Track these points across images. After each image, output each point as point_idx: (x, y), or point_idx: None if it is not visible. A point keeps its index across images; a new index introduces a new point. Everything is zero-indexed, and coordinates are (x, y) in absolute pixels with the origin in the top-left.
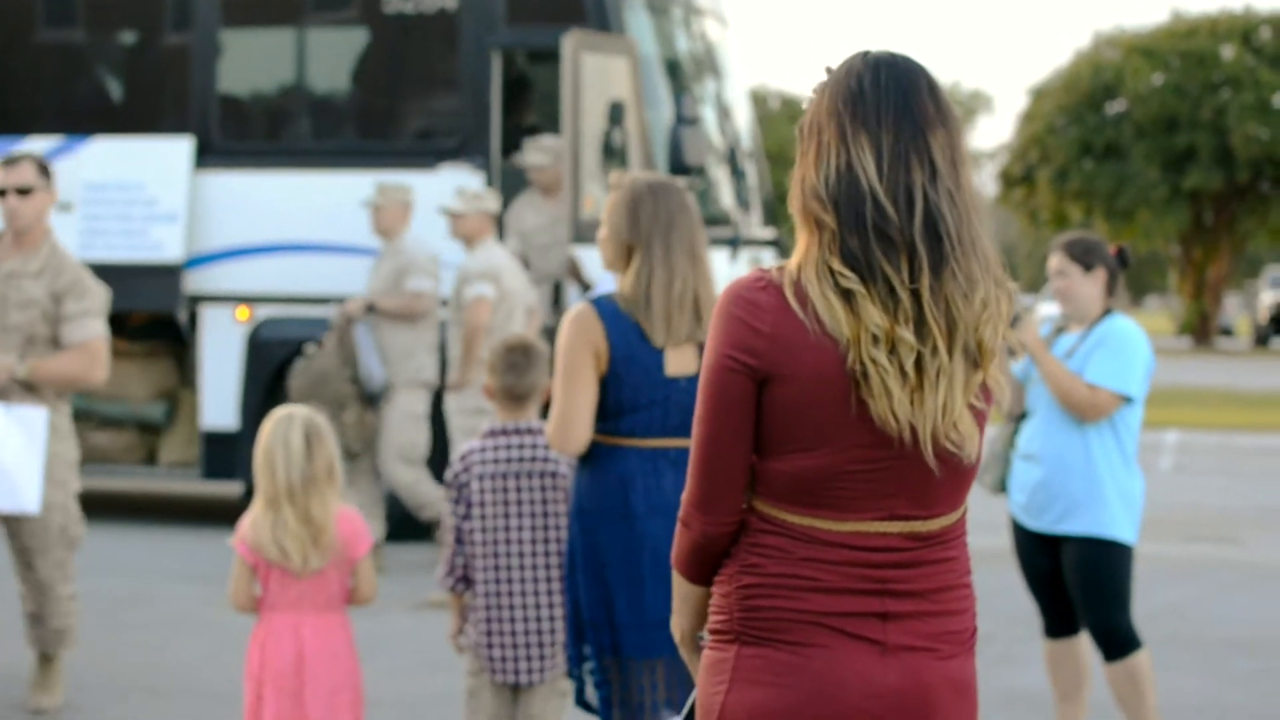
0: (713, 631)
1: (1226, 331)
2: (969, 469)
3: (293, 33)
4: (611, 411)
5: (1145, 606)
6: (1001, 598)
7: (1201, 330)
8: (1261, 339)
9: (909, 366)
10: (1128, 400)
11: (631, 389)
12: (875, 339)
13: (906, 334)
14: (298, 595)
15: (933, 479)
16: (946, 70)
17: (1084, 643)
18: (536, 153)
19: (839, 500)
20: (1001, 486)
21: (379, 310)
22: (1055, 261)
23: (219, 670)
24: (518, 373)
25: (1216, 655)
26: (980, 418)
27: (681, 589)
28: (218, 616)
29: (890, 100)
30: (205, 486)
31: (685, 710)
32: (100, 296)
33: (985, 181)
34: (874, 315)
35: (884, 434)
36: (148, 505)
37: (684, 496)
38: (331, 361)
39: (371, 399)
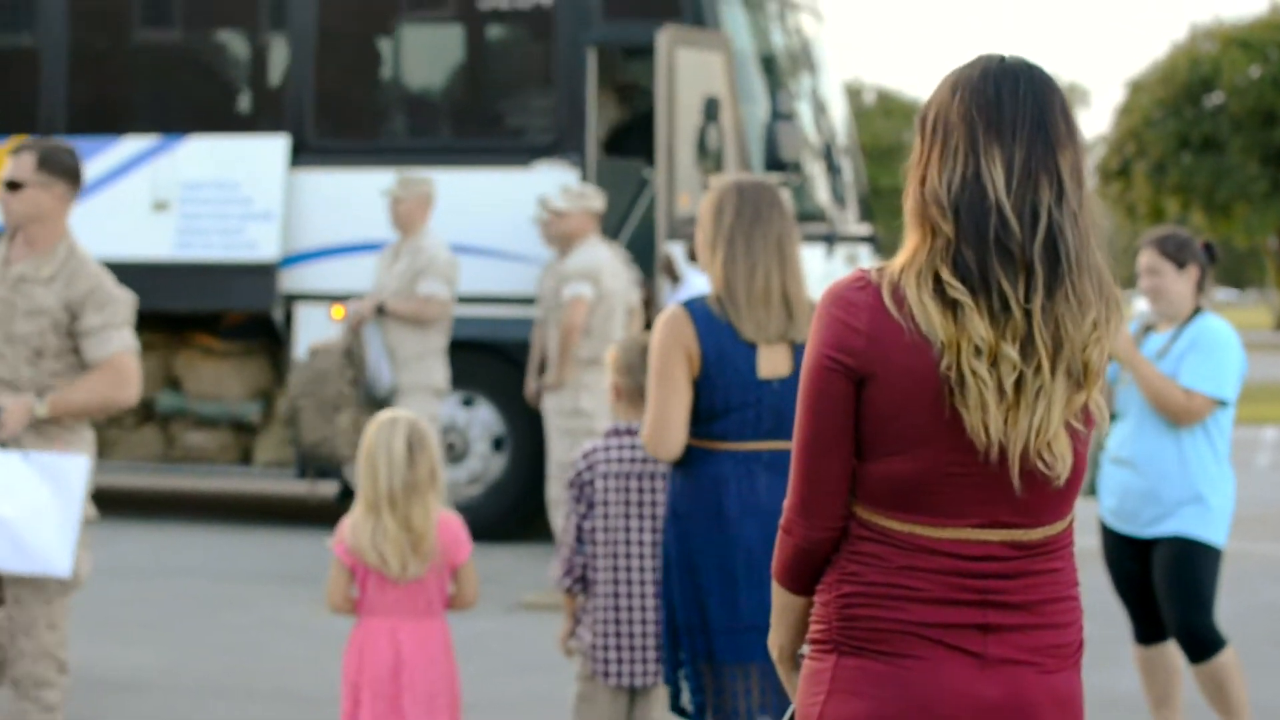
0: (812, 641)
1: None
2: (1064, 487)
3: (388, 31)
4: (704, 415)
5: (1243, 605)
6: (1094, 597)
7: None
8: None
9: (1008, 384)
10: (1222, 404)
11: (724, 391)
12: (978, 350)
13: (1011, 351)
14: (395, 600)
15: (1030, 490)
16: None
17: (1174, 648)
18: (563, 198)
19: (937, 505)
20: (1092, 490)
21: (389, 312)
22: (1146, 258)
23: (315, 673)
24: None
25: None
26: (1077, 439)
27: (781, 600)
28: (314, 618)
29: (1026, 114)
30: (300, 486)
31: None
32: (125, 305)
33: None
34: (979, 328)
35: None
36: (243, 505)
37: (786, 503)
38: (333, 361)
39: (377, 403)
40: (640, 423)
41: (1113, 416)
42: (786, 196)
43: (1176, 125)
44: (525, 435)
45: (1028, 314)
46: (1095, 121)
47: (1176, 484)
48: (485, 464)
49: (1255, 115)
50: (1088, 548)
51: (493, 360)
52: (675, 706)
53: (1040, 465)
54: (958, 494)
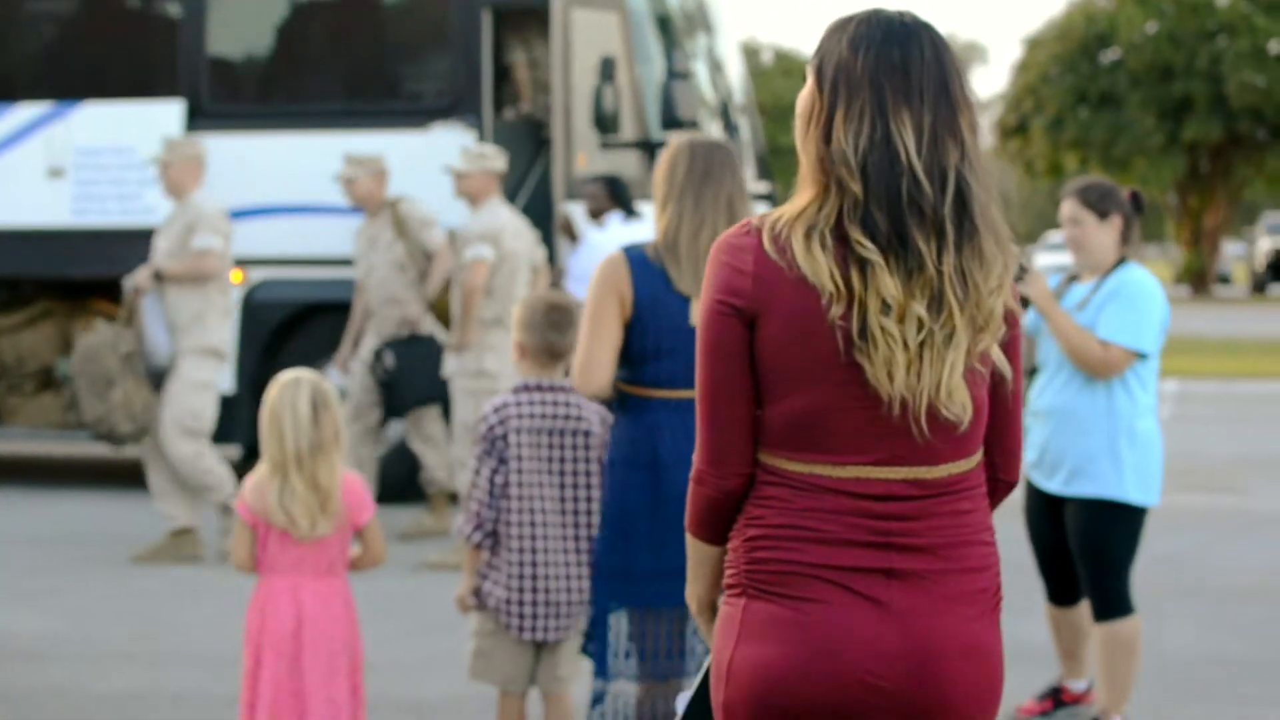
0: (725, 587)
1: (1224, 279)
2: (978, 403)
3: None
4: (636, 357)
5: (1144, 557)
6: (1008, 549)
7: (1199, 279)
8: (1259, 286)
9: (913, 341)
10: (1141, 356)
11: (655, 335)
12: (886, 306)
13: (920, 308)
14: (297, 559)
15: (932, 432)
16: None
17: (1085, 609)
18: (350, 166)
19: (835, 442)
20: None
21: (164, 275)
22: (1068, 208)
23: (224, 636)
24: (559, 330)
25: (1217, 605)
26: (976, 383)
27: (697, 552)
28: (219, 581)
29: (931, 79)
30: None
31: (700, 675)
32: None
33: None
34: (890, 286)
35: (869, 382)
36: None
37: (695, 454)
38: (107, 336)
39: (156, 375)
40: (548, 379)
41: (1033, 371)
42: (736, 155)
43: (1074, 81)
44: (437, 395)
45: (940, 272)
46: (993, 79)
47: (1093, 440)
48: (389, 426)
49: (1152, 70)
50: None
51: None
52: (585, 649)
53: (944, 413)
54: (856, 429)
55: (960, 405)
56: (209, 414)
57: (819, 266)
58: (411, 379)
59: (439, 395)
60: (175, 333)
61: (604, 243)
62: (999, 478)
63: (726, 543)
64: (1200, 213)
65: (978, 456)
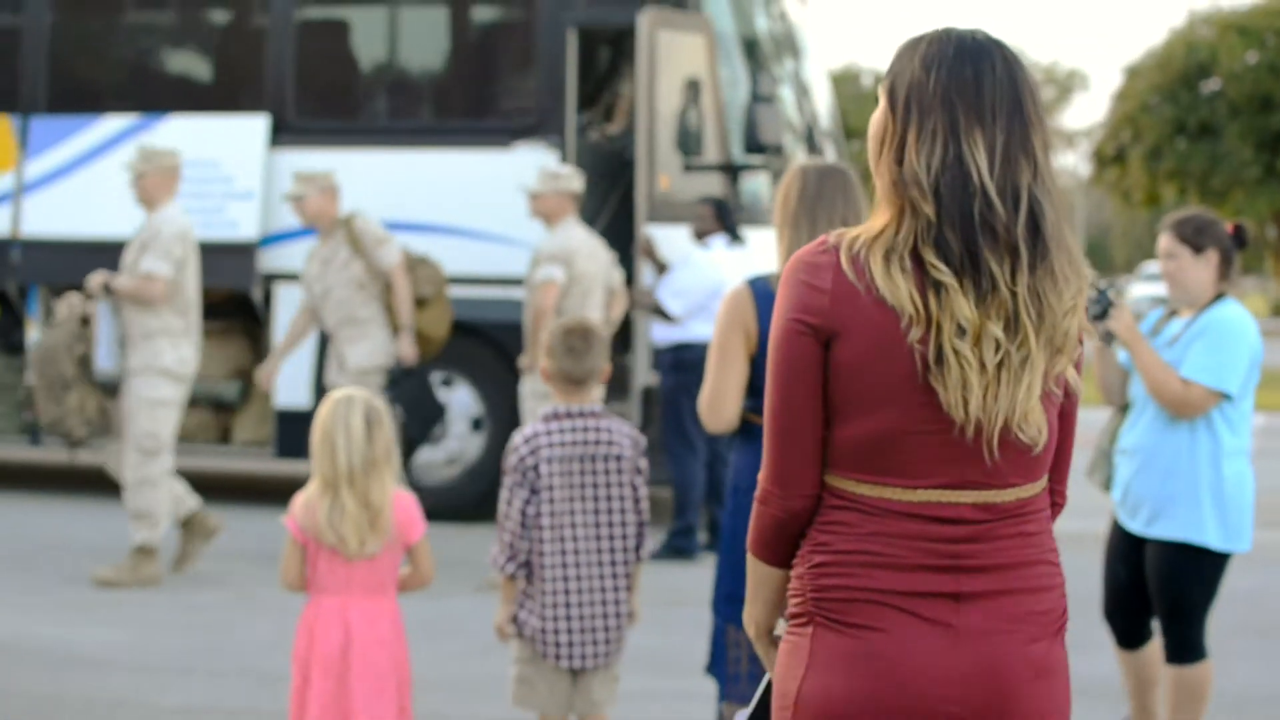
0: (790, 616)
1: None
2: (1049, 429)
3: (371, 11)
4: (762, 388)
5: (1223, 593)
6: (1076, 580)
7: None
8: None
9: (991, 362)
10: (1225, 397)
11: None
12: (961, 330)
13: (997, 330)
14: (346, 578)
15: (1003, 455)
16: (1042, 49)
17: (1153, 653)
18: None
19: (906, 465)
20: (1108, 484)
21: (113, 290)
22: (1164, 242)
23: (279, 651)
24: (575, 357)
25: None
26: (1052, 406)
27: (757, 574)
28: (281, 596)
29: (1004, 97)
30: (279, 465)
31: (755, 700)
32: None
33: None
34: (964, 308)
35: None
36: (222, 484)
37: (761, 474)
38: (60, 338)
39: (103, 383)
40: (577, 406)
41: (1126, 407)
42: (850, 177)
43: (1173, 111)
44: (503, 416)
45: (1014, 294)
46: (1094, 107)
47: (1174, 481)
48: (463, 445)
49: (1252, 101)
50: (1072, 530)
51: (471, 341)
52: (709, 670)
53: (1019, 436)
54: (927, 453)
55: (1036, 428)
56: (165, 433)
57: (898, 290)
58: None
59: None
60: (127, 347)
61: (707, 263)
62: (1053, 500)
63: (788, 565)
64: None
65: (1044, 481)
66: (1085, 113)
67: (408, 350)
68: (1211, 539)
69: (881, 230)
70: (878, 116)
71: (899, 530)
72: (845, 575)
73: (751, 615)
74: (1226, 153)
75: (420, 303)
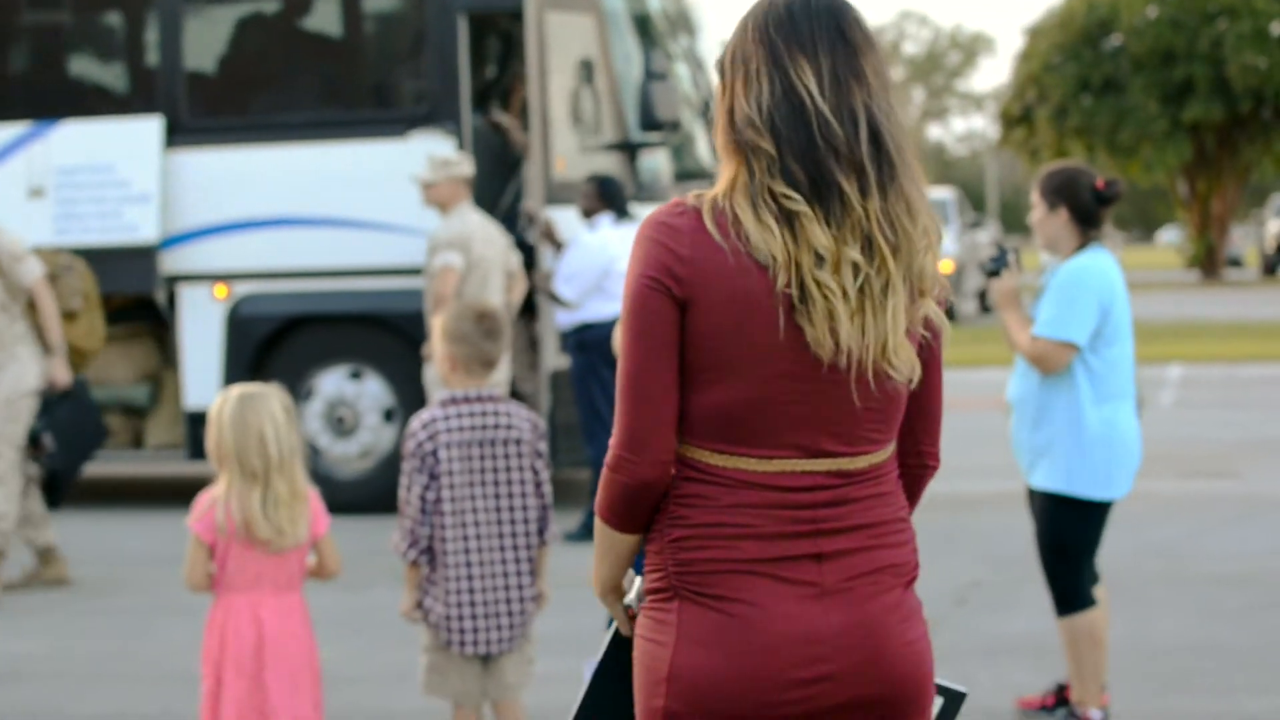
0: (651, 591)
1: (1235, 262)
2: (897, 400)
3: (257, 5)
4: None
5: (1137, 544)
6: (992, 543)
7: (1209, 263)
8: (1270, 268)
9: (852, 289)
10: (1074, 347)
11: None
12: (820, 259)
13: (854, 253)
14: (256, 575)
15: (856, 411)
16: (945, 13)
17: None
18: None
19: (760, 435)
20: None
21: None
22: (1033, 194)
23: (199, 654)
24: (494, 338)
25: (1206, 592)
26: (920, 347)
27: (607, 539)
28: (202, 600)
29: (824, 25)
30: (192, 467)
31: (605, 644)
32: None
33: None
34: (819, 236)
35: (808, 360)
36: (135, 488)
37: (613, 439)
38: None
39: None
40: (476, 390)
41: None
42: None
43: (1076, 68)
44: (414, 406)
45: (865, 211)
46: (998, 70)
47: (1041, 431)
48: (376, 436)
49: (1154, 55)
50: (985, 492)
51: (380, 333)
52: None
53: (889, 369)
54: (781, 423)
55: (907, 363)
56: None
57: (771, 235)
58: (73, 445)
59: (101, 439)
60: None
61: (594, 243)
62: (925, 463)
63: (642, 532)
64: (1208, 197)
65: (893, 445)
66: (991, 75)
67: (60, 373)
68: (1078, 487)
69: (733, 180)
70: (716, 92)
71: (758, 500)
72: (707, 548)
73: (599, 575)
74: (1132, 107)
75: (69, 316)
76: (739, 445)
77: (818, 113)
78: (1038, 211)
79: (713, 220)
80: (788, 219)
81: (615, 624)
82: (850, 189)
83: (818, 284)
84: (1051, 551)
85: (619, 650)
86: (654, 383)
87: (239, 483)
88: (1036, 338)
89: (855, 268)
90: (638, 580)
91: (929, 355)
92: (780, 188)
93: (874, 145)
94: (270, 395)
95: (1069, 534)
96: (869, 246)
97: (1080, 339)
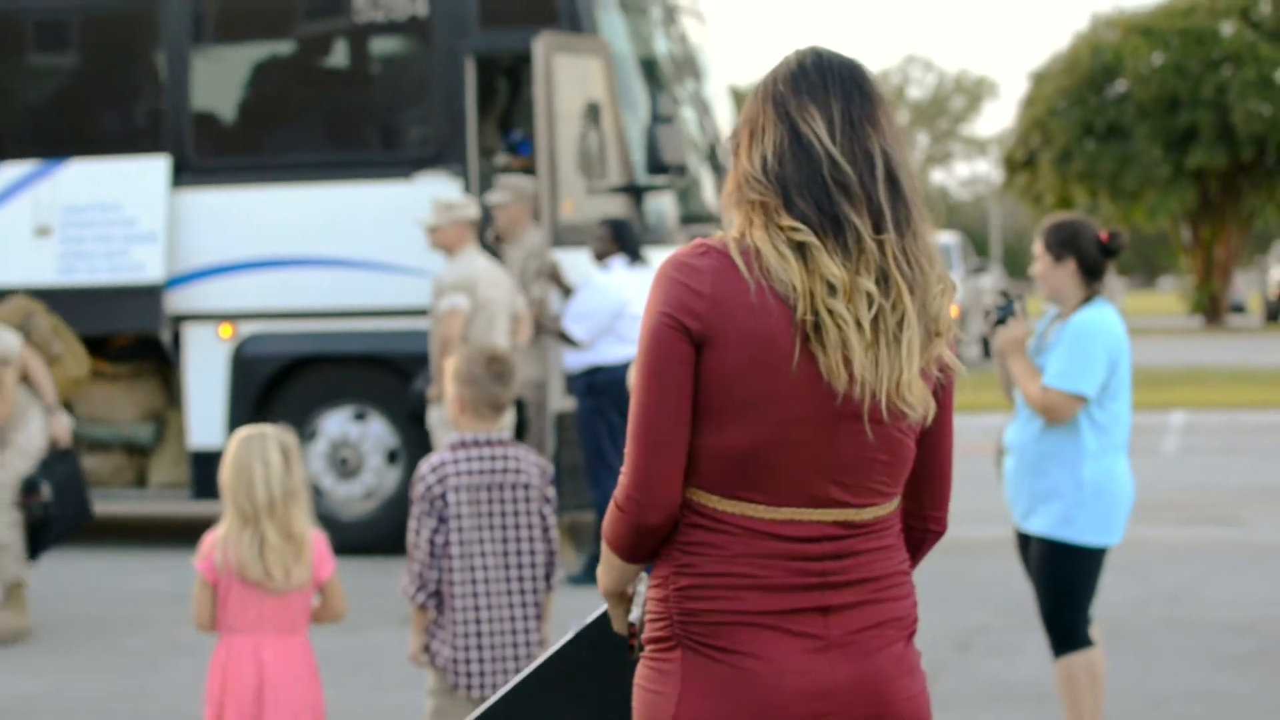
0: (653, 641)
1: (1239, 309)
2: (906, 452)
3: (264, 46)
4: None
5: (1142, 591)
6: (995, 588)
7: (1212, 309)
8: (1273, 315)
9: (865, 320)
10: (1084, 399)
11: None
12: (832, 289)
13: (867, 283)
14: (258, 616)
15: (866, 460)
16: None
17: (1089, 653)
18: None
19: (770, 483)
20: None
21: None
22: (1036, 245)
23: (202, 694)
24: (502, 382)
25: (1210, 639)
26: (934, 389)
27: (613, 564)
28: (208, 639)
29: (836, 75)
30: (196, 507)
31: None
32: None
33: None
34: (830, 266)
35: (821, 400)
36: (140, 527)
37: (622, 477)
38: None
39: None
40: (485, 434)
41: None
42: None
43: (1080, 114)
44: (418, 448)
45: (880, 245)
46: (1002, 114)
47: (1041, 479)
48: (379, 478)
49: (1158, 102)
50: (987, 538)
51: (384, 374)
52: None
53: (902, 406)
54: (791, 468)
55: (921, 400)
56: None
57: (789, 263)
58: (66, 502)
59: (88, 514)
60: None
61: (608, 284)
62: (929, 527)
63: (645, 563)
64: (1212, 243)
65: (898, 500)
66: (995, 120)
67: (61, 430)
68: (1075, 534)
69: (748, 224)
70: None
71: (766, 550)
72: (713, 599)
73: (604, 582)
74: (1136, 153)
75: (55, 361)
76: (748, 491)
77: (826, 154)
78: (1042, 264)
79: (739, 254)
80: (799, 250)
81: (602, 609)
82: (862, 224)
83: (830, 313)
84: (1052, 597)
85: (591, 645)
86: (666, 422)
87: (234, 523)
88: (1048, 389)
89: (869, 298)
90: (643, 588)
91: (941, 400)
92: (787, 222)
93: (890, 185)
94: (269, 437)
95: (1070, 579)
96: (884, 280)
97: (1090, 391)
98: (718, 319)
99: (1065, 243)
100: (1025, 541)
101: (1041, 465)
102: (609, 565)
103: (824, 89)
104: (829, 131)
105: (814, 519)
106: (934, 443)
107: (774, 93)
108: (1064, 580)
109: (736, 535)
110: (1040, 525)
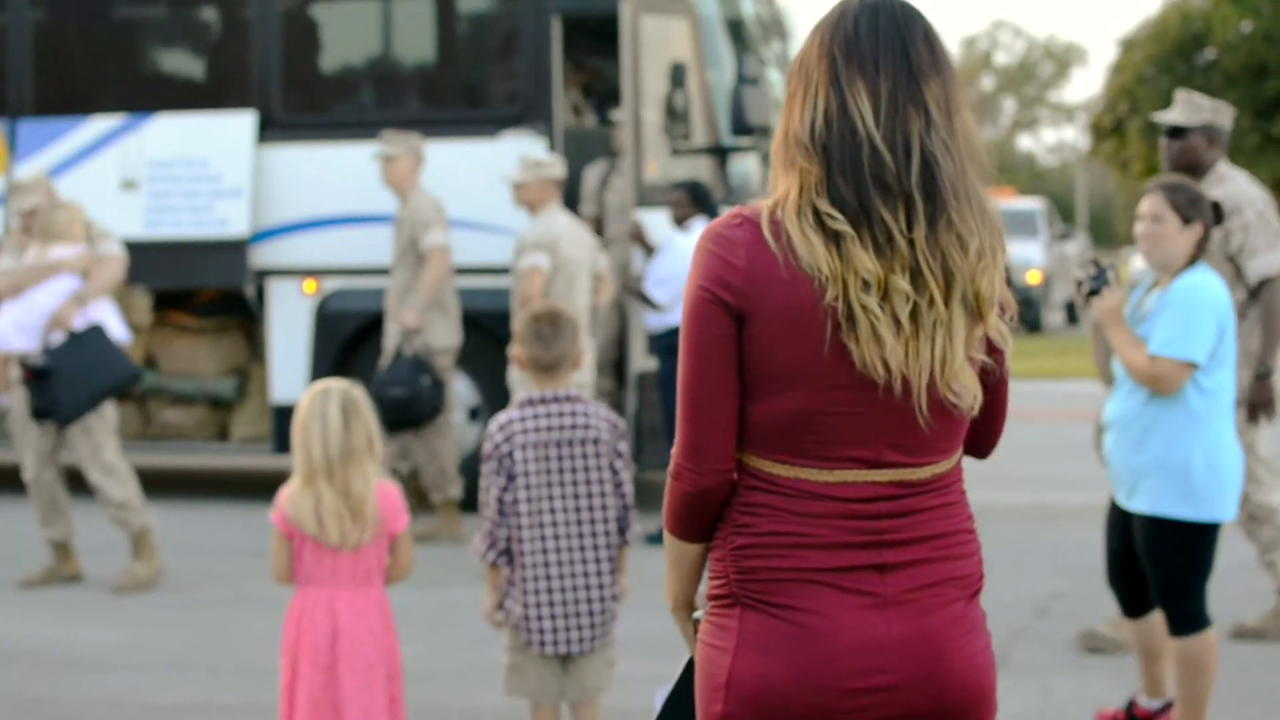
0: (713, 598)
1: None
2: (961, 420)
3: (355, 4)
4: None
5: (1225, 562)
6: (1074, 553)
7: None
8: None
9: (904, 316)
10: (1194, 366)
11: None
12: (866, 284)
13: (902, 282)
14: (333, 569)
15: (918, 425)
16: (1039, 23)
17: (1157, 624)
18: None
19: (822, 445)
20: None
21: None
22: (1151, 204)
23: (276, 647)
24: (545, 343)
25: None
26: (981, 370)
27: (674, 550)
28: (277, 592)
29: (887, 46)
30: (277, 460)
31: (677, 678)
32: None
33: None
34: (865, 260)
35: (864, 375)
36: (221, 481)
37: (674, 449)
38: None
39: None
40: (551, 391)
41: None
42: None
43: (1169, 82)
44: (500, 406)
45: (911, 244)
46: (1091, 80)
47: (1145, 453)
48: (461, 434)
49: (1247, 70)
50: (1069, 505)
51: (467, 331)
52: None
53: (950, 397)
54: (839, 434)
55: (969, 391)
56: None
57: (814, 248)
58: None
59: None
60: None
61: (688, 247)
62: (971, 454)
63: (706, 541)
64: None
65: (959, 454)
66: (1083, 86)
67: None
68: (1183, 510)
69: (785, 194)
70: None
71: (821, 510)
72: (770, 557)
73: (670, 589)
74: None
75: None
76: (800, 456)
77: (869, 138)
78: (1169, 226)
79: (769, 228)
80: (834, 238)
81: (690, 655)
82: (893, 221)
83: (864, 308)
84: (1162, 576)
85: (690, 683)
86: (711, 392)
87: (299, 479)
88: (1156, 357)
89: (905, 296)
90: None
91: (993, 377)
92: (825, 206)
93: (925, 175)
94: (331, 394)
95: (1180, 558)
96: (917, 276)
97: (1201, 358)
98: (753, 291)
99: (1196, 205)
100: (1126, 519)
101: (1146, 440)
102: (672, 556)
103: (875, 62)
104: (874, 113)
105: (869, 479)
106: (989, 401)
107: (830, 53)
108: (1177, 560)
109: (792, 497)
110: (1148, 503)
